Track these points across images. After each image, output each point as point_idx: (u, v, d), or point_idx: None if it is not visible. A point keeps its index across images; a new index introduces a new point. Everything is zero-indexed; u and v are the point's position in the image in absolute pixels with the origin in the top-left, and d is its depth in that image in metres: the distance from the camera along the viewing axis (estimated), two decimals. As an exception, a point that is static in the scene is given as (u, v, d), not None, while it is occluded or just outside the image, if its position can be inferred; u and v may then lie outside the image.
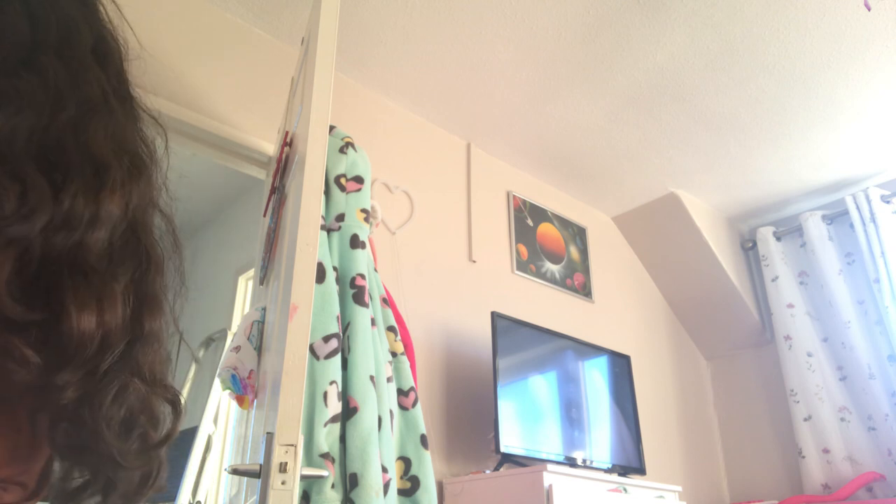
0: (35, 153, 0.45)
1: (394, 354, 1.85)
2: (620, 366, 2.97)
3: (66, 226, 0.44)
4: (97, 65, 0.53)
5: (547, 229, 3.33)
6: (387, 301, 1.93)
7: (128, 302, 0.49)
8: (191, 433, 2.77)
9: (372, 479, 1.48)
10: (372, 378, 1.61)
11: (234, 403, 1.87)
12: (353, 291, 1.71)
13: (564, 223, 3.45)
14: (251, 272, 3.08)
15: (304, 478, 1.34)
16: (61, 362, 0.43)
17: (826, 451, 3.21)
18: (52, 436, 0.48)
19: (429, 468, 1.73)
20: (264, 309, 1.74)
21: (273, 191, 1.86)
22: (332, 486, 1.47)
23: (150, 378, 0.51)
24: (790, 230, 3.65)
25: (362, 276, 1.74)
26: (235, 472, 1.03)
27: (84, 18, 0.53)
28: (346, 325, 1.67)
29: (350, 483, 1.48)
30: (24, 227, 0.41)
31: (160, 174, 0.54)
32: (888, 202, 3.28)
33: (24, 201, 0.42)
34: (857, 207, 3.34)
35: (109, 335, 0.46)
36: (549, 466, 2.11)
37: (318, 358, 1.53)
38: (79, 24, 0.53)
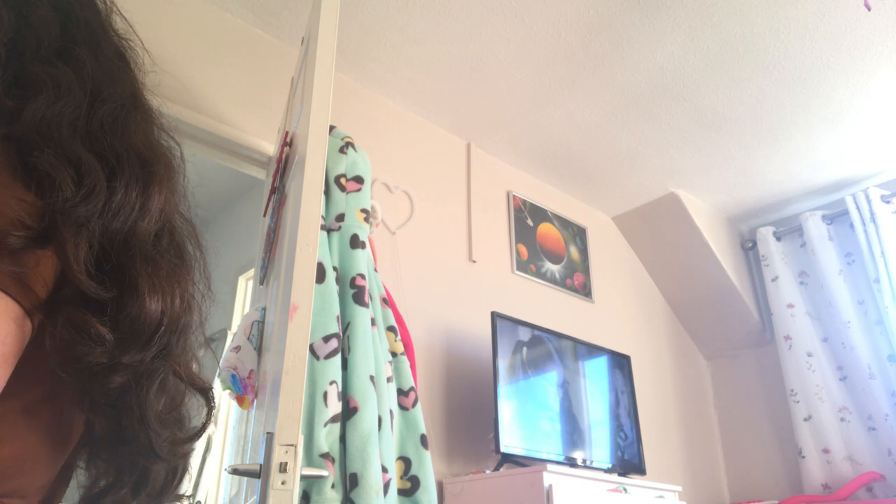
0: (81, 140, 0.46)
1: (394, 354, 1.85)
2: (620, 366, 2.96)
3: (121, 212, 0.45)
4: (124, 67, 0.56)
5: (547, 229, 3.33)
6: (387, 301, 1.93)
7: (182, 293, 0.51)
8: (191, 433, 2.77)
9: (372, 479, 1.48)
10: (372, 378, 1.61)
11: (234, 403, 1.87)
12: (353, 291, 1.71)
13: (564, 223, 3.44)
14: (251, 272, 3.08)
15: (304, 478, 1.34)
16: (129, 343, 0.45)
17: (826, 451, 3.21)
18: (92, 427, 0.50)
19: (429, 468, 1.73)
20: (264, 309, 1.74)
21: (273, 191, 1.86)
22: (332, 486, 1.47)
23: (185, 372, 0.54)
24: (790, 230, 3.65)
25: (362, 276, 1.74)
26: (235, 472, 1.03)
27: (108, 26, 0.55)
28: (346, 325, 1.67)
29: (350, 483, 1.48)
30: (86, 208, 0.42)
31: (183, 182, 0.57)
32: (888, 202, 3.28)
33: (81, 184, 0.43)
34: (857, 207, 3.34)
35: (171, 320, 0.48)
36: (549, 466, 2.11)
37: (318, 358, 1.53)
38: (105, 27, 0.55)
